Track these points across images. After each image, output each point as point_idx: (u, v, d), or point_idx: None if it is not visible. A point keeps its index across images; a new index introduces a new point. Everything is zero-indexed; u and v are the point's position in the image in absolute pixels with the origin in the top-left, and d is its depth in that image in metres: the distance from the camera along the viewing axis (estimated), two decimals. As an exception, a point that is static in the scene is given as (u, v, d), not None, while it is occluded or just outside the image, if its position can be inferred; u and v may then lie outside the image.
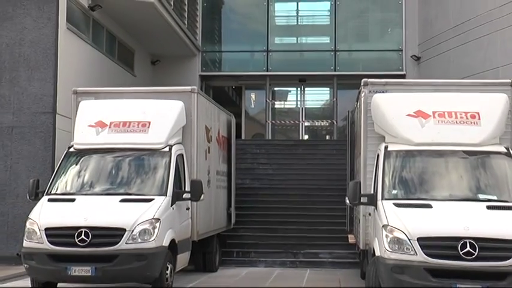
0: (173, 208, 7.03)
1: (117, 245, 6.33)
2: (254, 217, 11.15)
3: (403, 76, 14.54)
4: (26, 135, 9.47)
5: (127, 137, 7.29)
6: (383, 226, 5.77)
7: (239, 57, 15.95)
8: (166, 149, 7.29)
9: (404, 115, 6.56)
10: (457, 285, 5.36)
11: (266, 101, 15.84)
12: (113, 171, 7.24)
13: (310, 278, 8.73)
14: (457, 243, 5.39)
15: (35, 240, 6.48)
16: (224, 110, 10.25)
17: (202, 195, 7.48)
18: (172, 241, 6.89)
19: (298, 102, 16.67)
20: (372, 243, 6.51)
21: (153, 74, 14.88)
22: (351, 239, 8.83)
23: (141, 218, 6.50)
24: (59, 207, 6.77)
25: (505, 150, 6.41)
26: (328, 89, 16.51)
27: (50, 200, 6.88)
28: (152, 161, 7.25)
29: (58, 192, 7.06)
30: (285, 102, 17.57)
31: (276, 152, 13.57)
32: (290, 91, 17.32)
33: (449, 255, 5.41)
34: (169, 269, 6.82)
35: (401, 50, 15.13)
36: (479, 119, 6.45)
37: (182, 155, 7.63)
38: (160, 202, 6.80)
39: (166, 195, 6.93)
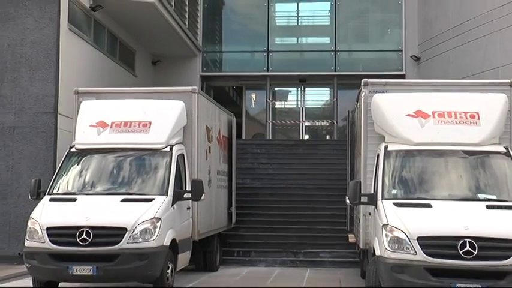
0: (174, 208, 7.05)
1: (118, 245, 6.35)
2: (255, 217, 11.17)
3: (403, 76, 14.56)
4: (27, 135, 9.50)
5: (128, 137, 7.31)
6: (383, 226, 5.79)
7: (240, 57, 15.99)
8: (167, 149, 7.32)
9: (404, 115, 6.57)
10: (457, 285, 5.37)
11: (266, 101, 15.87)
12: (114, 171, 7.26)
13: (310, 278, 8.74)
14: (456, 242, 5.40)
15: (37, 240, 6.50)
16: (225, 110, 10.27)
17: (203, 195, 7.49)
18: (173, 241, 6.91)
19: (299, 102, 16.70)
20: (372, 242, 6.52)
21: (154, 74, 14.91)
22: (351, 238, 8.85)
23: (142, 218, 6.52)
24: (60, 206, 6.79)
25: (505, 150, 6.43)
26: (328, 89, 16.54)
27: (51, 200, 6.90)
28: (153, 160, 7.27)
29: (59, 192, 7.09)
30: (286, 102, 17.60)
31: (276, 152, 13.60)
32: (290, 91, 17.35)
33: (449, 254, 5.43)
34: (170, 268, 6.83)
35: (401, 51, 15.16)
36: (478, 119, 6.47)
37: (183, 154, 7.65)
38: (161, 202, 6.82)
39: (167, 195, 6.95)
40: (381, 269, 5.74)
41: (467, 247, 5.38)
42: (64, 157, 7.45)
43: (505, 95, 6.79)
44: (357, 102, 8.15)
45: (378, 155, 6.63)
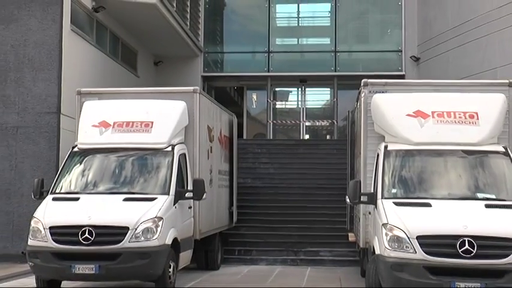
0: (176, 207, 7.08)
1: (120, 243, 6.38)
2: (255, 216, 11.21)
3: (402, 76, 14.57)
4: (30, 135, 9.55)
5: (130, 137, 7.35)
6: (383, 225, 5.82)
7: (241, 58, 16.03)
8: (169, 148, 7.35)
9: (403, 115, 6.61)
10: (456, 283, 5.40)
11: (267, 101, 15.92)
12: (116, 171, 7.29)
13: (311, 276, 8.77)
14: (455, 241, 5.43)
15: (40, 239, 6.54)
16: (226, 110, 10.32)
17: (205, 194, 7.54)
18: (175, 239, 6.94)
19: (299, 103, 16.75)
20: (371, 241, 6.55)
21: (156, 75, 14.96)
22: (351, 237, 8.88)
23: (144, 217, 6.56)
24: (63, 206, 6.83)
25: (503, 150, 6.46)
26: (328, 89, 16.58)
27: (54, 199, 6.94)
28: (155, 160, 7.30)
29: (62, 191, 7.13)
30: (286, 103, 17.65)
31: (277, 152, 13.64)
32: (291, 91, 17.40)
33: (448, 253, 5.45)
34: (171, 267, 6.86)
35: (401, 51, 15.19)
36: (477, 118, 6.50)
37: (185, 154, 7.69)
38: (163, 201, 6.86)
39: (169, 194, 6.99)
40: (381, 268, 5.77)
41: (466, 246, 5.41)
42: (67, 157, 7.49)
43: (504, 95, 6.82)
44: (357, 102, 8.19)
45: (378, 155, 6.66)
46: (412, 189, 6.30)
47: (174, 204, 7.06)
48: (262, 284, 8.06)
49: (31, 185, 7.76)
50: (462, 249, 5.43)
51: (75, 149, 7.52)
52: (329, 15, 15.96)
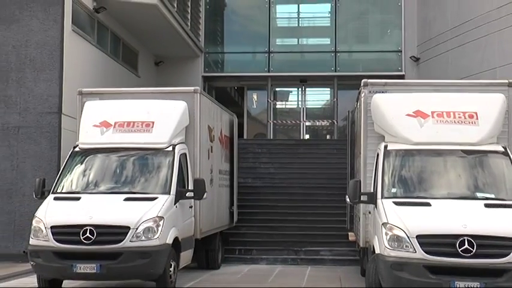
0: (176, 206, 7.10)
1: (121, 243, 6.40)
2: (256, 215, 11.23)
3: (402, 77, 14.60)
4: (32, 135, 9.58)
5: (131, 137, 7.38)
6: (383, 224, 5.84)
7: (241, 58, 16.06)
8: (170, 148, 7.37)
9: (403, 115, 6.63)
10: (455, 282, 5.42)
11: (268, 101, 15.96)
12: (118, 171, 7.31)
13: (311, 275, 8.80)
14: (455, 240, 5.45)
15: (41, 238, 6.56)
16: (226, 110, 10.34)
17: (205, 194, 7.56)
18: (176, 239, 6.96)
19: (299, 103, 16.78)
20: (371, 240, 6.57)
21: (157, 75, 15.00)
22: (351, 236, 8.91)
23: (145, 216, 6.58)
24: (64, 205, 6.85)
25: (503, 150, 6.48)
26: (328, 89, 16.61)
27: (55, 199, 6.96)
28: (156, 160, 7.32)
29: (64, 191, 7.15)
30: (286, 103, 17.68)
31: (277, 152, 13.66)
32: (291, 91, 17.43)
33: (448, 252, 5.47)
34: (172, 266, 6.88)
35: (401, 51, 15.23)
36: (477, 118, 6.52)
37: (185, 154, 7.71)
38: (164, 201, 6.88)
39: (169, 194, 7.01)
40: (381, 267, 5.79)
41: (466, 245, 5.43)
42: (68, 157, 7.51)
43: (503, 95, 6.84)
44: (357, 102, 8.21)
45: (378, 155, 6.69)
46: (412, 188, 6.32)
47: (174, 204, 7.08)
48: (263, 283, 8.08)
49: (32, 184, 7.82)
50: (462, 248, 5.45)
51: (77, 149, 7.54)
52: (329, 15, 15.99)
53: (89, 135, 7.53)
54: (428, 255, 5.52)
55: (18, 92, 9.68)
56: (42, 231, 6.57)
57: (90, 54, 11.03)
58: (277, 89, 16.74)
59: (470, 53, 12.31)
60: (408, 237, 5.60)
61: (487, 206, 5.94)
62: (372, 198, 6.38)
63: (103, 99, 7.97)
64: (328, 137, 16.52)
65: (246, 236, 10.74)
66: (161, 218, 6.68)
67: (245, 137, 15.59)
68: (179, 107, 7.79)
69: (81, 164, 7.43)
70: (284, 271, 9.24)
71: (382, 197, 6.20)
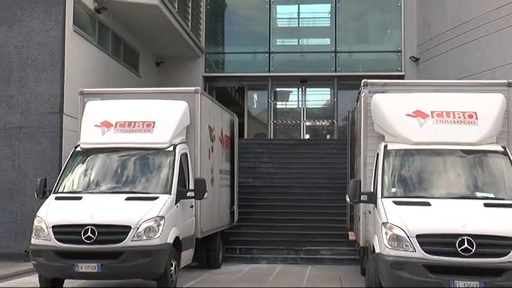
0: (177, 206, 7.12)
1: (122, 242, 6.41)
2: (256, 215, 11.26)
3: (402, 77, 14.63)
4: (33, 135, 9.61)
5: (132, 137, 7.39)
6: (382, 223, 5.86)
7: (242, 58, 16.10)
8: (171, 148, 7.39)
9: (403, 115, 6.65)
10: (455, 281, 5.44)
11: (268, 101, 15.99)
12: (119, 170, 7.33)
13: (311, 275, 8.82)
14: (454, 240, 5.47)
15: (43, 238, 6.58)
16: (227, 110, 10.37)
17: (206, 194, 7.58)
18: (177, 238, 6.97)
19: (300, 103, 16.82)
20: (371, 240, 6.59)
21: (158, 75, 15.03)
22: (351, 236, 8.92)
23: (146, 216, 6.59)
24: (65, 205, 6.87)
25: (502, 149, 6.50)
26: (328, 89, 16.64)
27: (57, 198, 6.98)
28: (157, 160, 7.34)
29: (65, 190, 7.16)
30: (287, 103, 17.71)
31: (277, 151, 13.70)
32: (291, 91, 17.47)
33: (448, 251, 5.49)
34: (173, 265, 6.89)
35: (400, 51, 15.26)
36: (476, 118, 6.54)
37: (186, 154, 7.73)
38: (165, 200, 6.89)
39: (170, 194, 7.02)
40: (381, 266, 5.80)
41: (465, 244, 5.45)
42: (69, 156, 7.53)
43: (503, 95, 6.86)
44: (357, 102, 8.23)
45: (378, 154, 6.71)
46: (412, 188, 6.34)
47: (175, 204, 7.09)
48: (263, 282, 8.10)
49: (34, 184, 7.85)
50: (461, 247, 5.46)
51: (78, 149, 7.56)
52: (329, 16, 16.02)
53: (90, 135, 7.55)
54: (428, 255, 5.54)
55: (20, 92, 9.71)
56: (44, 230, 6.59)
57: (91, 54, 11.07)
58: (277, 89, 16.77)
59: (469, 53, 12.34)
60: (408, 236, 5.61)
61: (486, 205, 5.96)
62: (372, 198, 6.39)
63: (104, 99, 7.99)
64: (328, 136, 16.55)
65: (246, 235, 10.77)
66: (162, 217, 6.70)
67: (245, 136, 15.62)
68: (180, 107, 7.81)
69: (83, 163, 7.45)
70: (284, 270, 9.27)
71: (382, 197, 6.22)
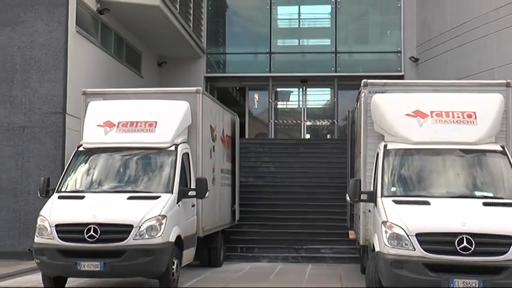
0: (179, 205, 7.16)
1: (125, 241, 6.45)
2: (257, 214, 11.29)
3: (401, 77, 14.66)
4: (37, 135, 9.66)
5: (134, 137, 7.43)
6: (382, 222, 5.90)
7: (243, 59, 16.15)
8: (172, 148, 7.43)
9: (403, 115, 6.69)
10: (454, 280, 5.48)
11: (269, 101, 16.04)
12: (121, 170, 7.37)
13: (311, 273, 8.85)
14: (454, 238, 5.51)
15: (46, 236, 6.62)
16: (228, 110, 10.41)
17: (207, 193, 7.63)
18: (178, 237, 7.01)
19: (300, 103, 16.87)
20: (371, 239, 6.63)
21: (160, 76, 15.09)
22: (352, 234, 8.94)
23: (148, 215, 6.63)
24: (68, 204, 6.91)
25: (501, 149, 6.55)
26: (329, 89, 16.69)
27: (60, 198, 7.02)
28: (159, 159, 7.37)
29: (68, 189, 7.21)
30: (287, 103, 17.76)
31: (278, 151, 13.73)
32: (292, 92, 17.52)
33: (447, 250, 5.52)
34: (175, 264, 6.92)
35: (400, 52, 15.30)
36: (475, 118, 6.59)
37: (188, 153, 7.77)
38: (167, 199, 6.93)
39: (172, 193, 7.06)
40: (381, 265, 5.84)
41: (465, 243, 5.49)
42: (72, 156, 7.57)
43: (501, 95, 6.91)
44: (357, 102, 8.27)
45: (378, 154, 6.75)
46: (411, 187, 6.38)
47: (177, 203, 7.13)
48: (264, 281, 8.14)
49: (37, 183, 7.83)
50: (460, 246, 5.50)
51: (81, 149, 7.60)
52: (329, 16, 16.07)
53: (92, 135, 7.59)
54: (427, 253, 5.57)
55: (23, 92, 9.76)
56: (47, 229, 6.63)
57: (94, 55, 11.12)
58: (278, 89, 16.82)
59: (469, 54, 12.38)
60: (407, 235, 5.65)
61: (485, 204, 5.99)
62: (372, 197, 6.43)
63: (106, 99, 8.03)
64: (328, 136, 16.59)
65: (247, 234, 10.82)
66: (164, 216, 6.73)
67: (247, 136, 15.67)
68: (182, 107, 7.85)
69: (85, 163, 7.49)
70: (285, 269, 9.30)
71: (381, 196, 6.26)
